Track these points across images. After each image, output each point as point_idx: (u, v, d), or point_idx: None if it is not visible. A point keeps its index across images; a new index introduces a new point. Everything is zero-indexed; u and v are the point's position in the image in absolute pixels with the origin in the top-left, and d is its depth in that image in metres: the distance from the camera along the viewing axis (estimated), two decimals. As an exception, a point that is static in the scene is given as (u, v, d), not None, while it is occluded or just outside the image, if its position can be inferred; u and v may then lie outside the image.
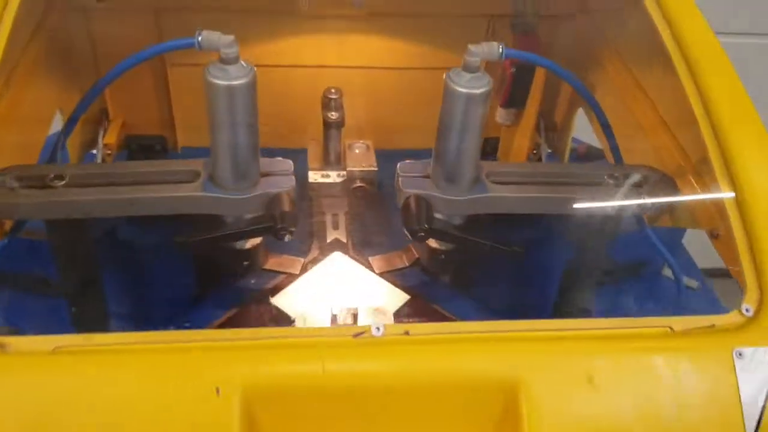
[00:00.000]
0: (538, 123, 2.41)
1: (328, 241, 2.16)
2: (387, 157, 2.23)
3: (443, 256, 1.81)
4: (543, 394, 1.10)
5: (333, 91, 2.21)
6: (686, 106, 1.51)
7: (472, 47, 1.46)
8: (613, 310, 2.15)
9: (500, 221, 1.73)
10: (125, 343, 1.09)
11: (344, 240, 2.17)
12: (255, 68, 1.47)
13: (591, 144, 2.76)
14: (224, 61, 1.44)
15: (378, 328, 1.11)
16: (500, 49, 1.49)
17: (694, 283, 2.25)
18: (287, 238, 1.58)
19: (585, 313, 1.95)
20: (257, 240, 1.84)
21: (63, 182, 1.56)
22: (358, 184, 2.22)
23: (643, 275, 2.30)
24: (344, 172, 2.21)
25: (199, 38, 1.45)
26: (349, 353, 1.10)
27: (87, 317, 1.83)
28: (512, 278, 2.04)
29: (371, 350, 1.10)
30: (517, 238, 1.89)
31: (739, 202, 1.34)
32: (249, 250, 1.77)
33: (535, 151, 2.50)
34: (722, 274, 1.62)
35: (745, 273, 1.24)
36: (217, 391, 1.05)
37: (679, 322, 1.17)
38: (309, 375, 1.07)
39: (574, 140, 2.52)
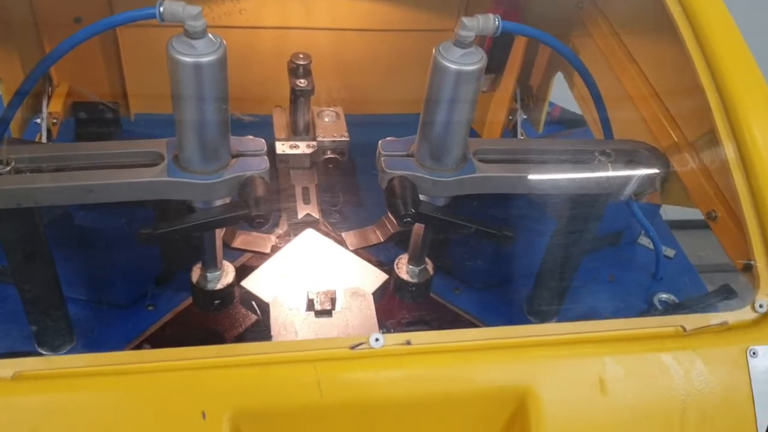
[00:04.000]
0: (514, 89, 2.32)
1: (300, 217, 2.04)
2: (357, 123, 2.12)
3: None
4: (552, 401, 1.03)
5: (301, 56, 2.05)
6: (688, 75, 1.39)
7: (466, 20, 1.32)
8: (594, 281, 2.13)
9: (484, 198, 1.64)
10: (93, 366, 0.97)
11: (316, 216, 2.05)
12: (224, 42, 1.32)
13: (565, 108, 2.70)
14: (190, 35, 1.28)
15: (377, 339, 1.02)
16: (496, 23, 1.36)
17: (671, 252, 2.26)
18: (264, 227, 1.46)
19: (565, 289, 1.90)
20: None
21: (8, 168, 1.40)
22: (329, 155, 2.09)
23: (621, 244, 2.28)
24: (314, 143, 2.07)
25: (161, 9, 1.28)
26: (347, 367, 1.00)
27: (40, 307, 1.69)
28: (493, 254, 1.98)
29: (371, 363, 1.01)
30: (502, 214, 1.81)
31: (751, 183, 1.22)
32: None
33: (510, 117, 2.42)
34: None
35: (757, 264, 1.16)
36: (203, 415, 0.95)
37: (691, 321, 1.11)
38: (305, 394, 0.97)
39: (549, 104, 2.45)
